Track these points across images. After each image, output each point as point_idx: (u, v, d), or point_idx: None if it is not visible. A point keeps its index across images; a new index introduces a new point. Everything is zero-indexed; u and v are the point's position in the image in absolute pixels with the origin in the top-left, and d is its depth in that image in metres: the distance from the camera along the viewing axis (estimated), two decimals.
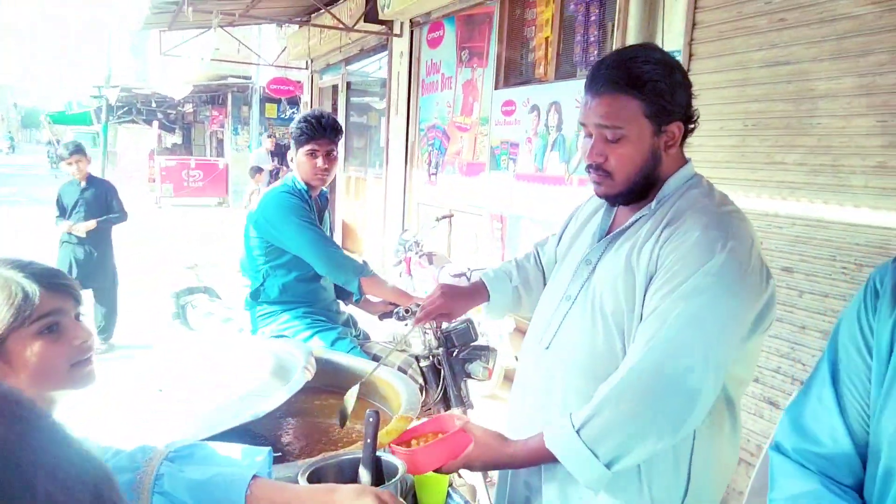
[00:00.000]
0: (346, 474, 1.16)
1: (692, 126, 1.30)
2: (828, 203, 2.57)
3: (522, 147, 4.78)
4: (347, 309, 2.63)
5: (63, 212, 5.13)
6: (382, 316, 2.49)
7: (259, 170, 10.63)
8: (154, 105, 19.62)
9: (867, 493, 0.83)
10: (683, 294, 1.15)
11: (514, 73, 5.12)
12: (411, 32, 6.35)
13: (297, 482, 1.08)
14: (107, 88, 18.46)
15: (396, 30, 6.64)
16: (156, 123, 19.10)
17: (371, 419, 1.12)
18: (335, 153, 2.41)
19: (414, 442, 1.28)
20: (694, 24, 3.12)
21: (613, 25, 3.82)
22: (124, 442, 1.05)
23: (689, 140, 1.33)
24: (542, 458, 1.23)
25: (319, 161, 2.36)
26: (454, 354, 2.19)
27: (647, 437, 1.13)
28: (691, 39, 3.11)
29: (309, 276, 2.41)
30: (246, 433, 1.53)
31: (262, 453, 1.03)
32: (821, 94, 2.58)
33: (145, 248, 9.24)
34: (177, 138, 22.32)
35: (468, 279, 4.21)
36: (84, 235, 5.05)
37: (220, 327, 2.73)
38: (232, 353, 1.71)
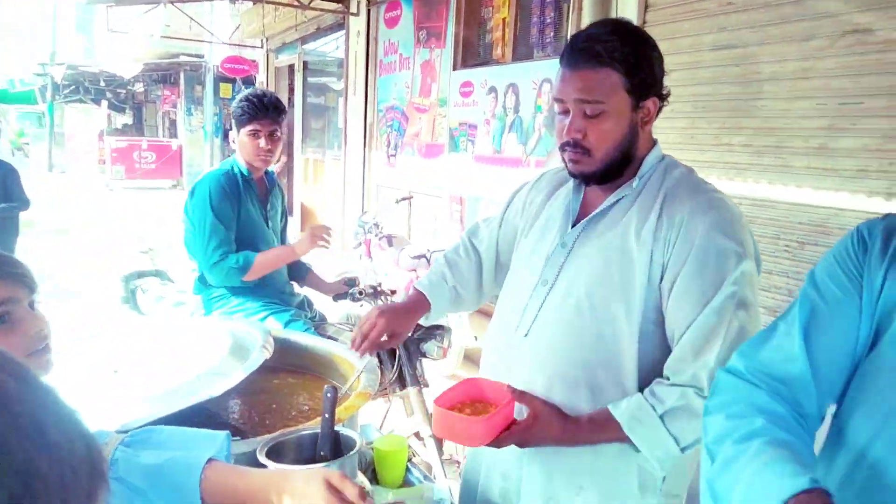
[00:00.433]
0: (306, 449, 1.17)
1: (664, 104, 1.27)
2: (772, 183, 2.67)
3: (481, 128, 4.80)
4: (302, 290, 2.62)
5: None
6: (337, 297, 2.49)
7: None
8: (103, 84, 18.92)
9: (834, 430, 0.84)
10: (734, 305, 1.14)
11: (471, 54, 5.12)
12: (368, 11, 6.28)
13: (256, 458, 1.09)
14: (52, 66, 17.74)
15: (353, 8, 6.56)
16: (105, 103, 18.45)
17: (329, 394, 1.14)
18: (279, 133, 2.35)
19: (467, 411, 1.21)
20: (647, 7, 3.18)
21: (569, 7, 3.86)
22: None
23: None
24: (606, 437, 1.19)
25: (262, 142, 2.30)
26: (409, 335, 2.21)
27: None
28: (644, 22, 3.17)
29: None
30: (206, 414, 1.53)
31: (220, 437, 1.02)
32: (766, 78, 2.66)
33: (96, 231, 8.99)
34: (127, 118, 21.60)
35: (428, 261, 4.23)
36: None
37: (171, 311, 2.68)
38: (188, 333, 1.70)
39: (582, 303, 1.25)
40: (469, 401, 1.23)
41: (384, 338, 1.43)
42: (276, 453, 1.12)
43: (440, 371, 4.17)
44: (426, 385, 2.24)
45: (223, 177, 2.32)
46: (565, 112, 1.24)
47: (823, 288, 0.88)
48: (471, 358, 4.52)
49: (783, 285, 2.63)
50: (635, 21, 3.19)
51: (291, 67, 9.04)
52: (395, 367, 2.22)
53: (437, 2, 5.35)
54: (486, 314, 1.59)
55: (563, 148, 1.27)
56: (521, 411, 1.22)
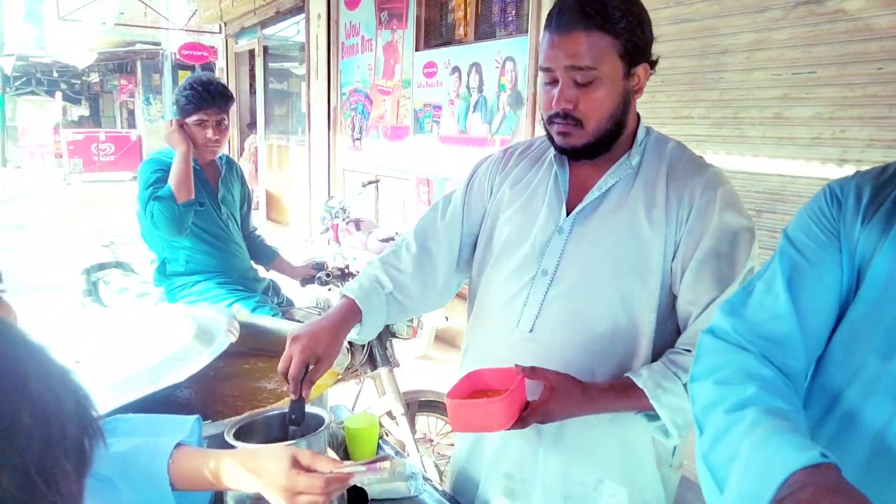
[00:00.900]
0: (274, 430, 1.17)
1: (652, 73, 1.20)
2: (731, 154, 2.72)
3: (445, 109, 4.79)
4: (269, 275, 2.60)
5: None
6: (304, 281, 2.48)
7: None
8: (56, 75, 18.37)
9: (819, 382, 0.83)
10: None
11: (434, 34, 5.08)
12: None
13: (224, 440, 1.09)
14: (1, 57, 17.12)
15: None
16: (59, 95, 17.92)
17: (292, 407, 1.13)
18: (226, 122, 2.29)
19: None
20: None
21: None
22: None
23: None
24: (628, 405, 1.14)
25: (210, 132, 2.25)
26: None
27: None
28: None
29: (212, 244, 2.34)
30: (175, 401, 1.52)
31: (189, 421, 1.01)
32: (722, 50, 2.70)
33: (56, 226, 8.76)
34: (84, 110, 21.03)
35: None
36: None
37: (135, 302, 2.64)
38: (152, 321, 1.67)
39: (594, 292, 1.19)
40: (478, 391, 1.15)
41: (311, 365, 1.19)
42: (244, 434, 1.11)
43: (412, 353, 4.18)
44: (397, 365, 2.25)
45: (162, 159, 2.27)
46: (553, 82, 1.16)
47: (801, 245, 0.87)
48: (442, 338, 4.55)
49: None
50: None
51: (252, 53, 8.88)
52: (365, 348, 2.22)
53: None
54: (459, 295, 1.52)
55: (550, 121, 1.19)
56: (534, 391, 1.14)
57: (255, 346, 1.75)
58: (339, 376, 1.42)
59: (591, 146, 1.18)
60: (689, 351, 1.13)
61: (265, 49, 8.51)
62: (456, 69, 4.63)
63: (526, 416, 1.10)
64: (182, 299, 2.33)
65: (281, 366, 1.20)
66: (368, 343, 2.23)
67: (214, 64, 10.42)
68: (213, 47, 10.62)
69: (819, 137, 2.44)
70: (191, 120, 2.24)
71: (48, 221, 9.11)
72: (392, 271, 1.36)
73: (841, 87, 2.36)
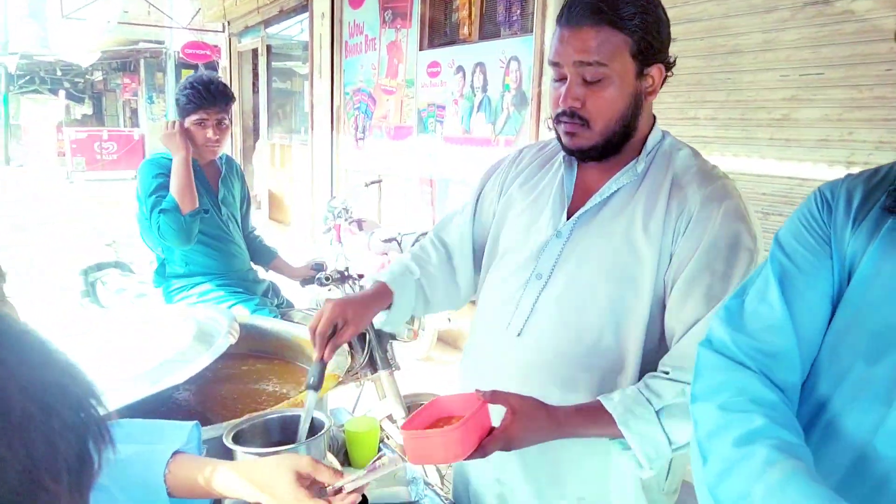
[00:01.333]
0: (273, 433, 1.15)
1: (669, 74, 1.15)
2: (737, 156, 2.70)
3: (449, 109, 4.77)
4: (268, 276, 2.58)
5: None
6: (304, 282, 2.45)
7: None
8: (59, 73, 18.40)
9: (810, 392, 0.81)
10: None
11: (438, 33, 5.06)
12: None
13: (223, 444, 1.07)
14: (4, 56, 17.15)
15: None
16: (62, 93, 17.92)
17: (309, 398, 1.12)
18: (226, 122, 2.26)
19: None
20: None
21: None
22: None
23: None
24: (597, 431, 1.08)
25: (210, 132, 2.22)
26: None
27: None
28: None
29: (212, 245, 2.32)
30: (175, 403, 1.50)
31: (187, 428, 0.99)
32: (730, 50, 2.68)
33: (58, 225, 8.76)
34: (87, 109, 21.07)
35: (399, 244, 4.21)
36: None
37: (133, 303, 2.62)
38: (151, 321, 1.66)
39: (584, 299, 1.15)
40: (438, 421, 1.08)
41: (339, 325, 1.19)
42: (243, 438, 1.10)
43: (414, 355, 4.16)
44: (398, 368, 2.22)
45: (164, 159, 2.25)
46: (562, 78, 1.12)
47: (792, 251, 0.84)
48: (444, 340, 4.52)
49: None
50: None
51: (255, 52, 8.87)
52: (365, 350, 2.20)
53: None
54: None
55: (558, 119, 1.15)
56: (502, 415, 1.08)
57: (255, 348, 1.74)
58: (340, 379, 1.40)
59: (599, 148, 1.14)
60: (667, 374, 1.08)
61: (268, 48, 8.50)
62: (460, 69, 4.61)
63: (486, 443, 1.02)
64: (181, 301, 2.31)
65: (311, 322, 1.21)
66: (369, 345, 2.21)
67: (217, 63, 10.42)
68: (216, 46, 10.61)
69: (827, 140, 2.42)
70: (191, 119, 2.22)
71: (50, 220, 9.11)
72: (422, 263, 1.38)
73: (849, 89, 2.33)
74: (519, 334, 1.21)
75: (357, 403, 2.27)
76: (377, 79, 5.69)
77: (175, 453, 0.93)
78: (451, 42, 4.86)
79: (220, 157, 2.42)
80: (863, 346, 0.71)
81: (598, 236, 1.16)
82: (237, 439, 1.08)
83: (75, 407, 0.37)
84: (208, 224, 2.31)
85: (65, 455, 0.35)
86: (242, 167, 2.58)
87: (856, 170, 0.89)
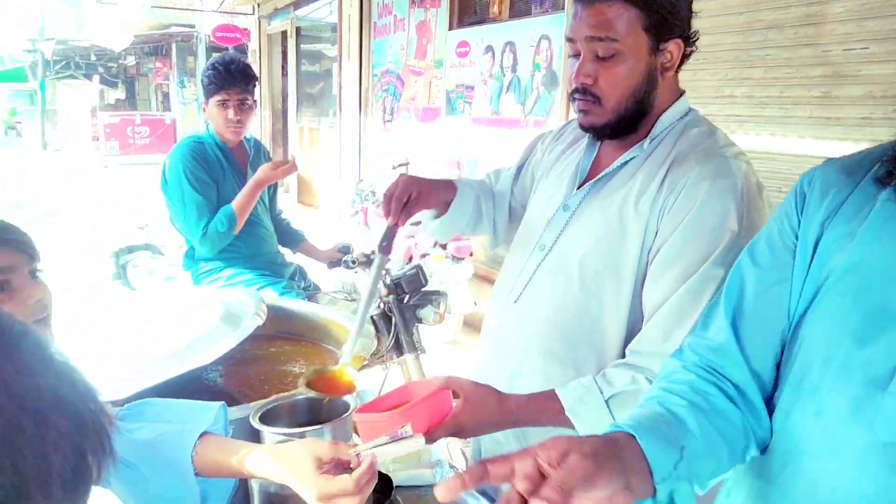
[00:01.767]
0: (299, 414, 1.15)
1: (691, 49, 1.12)
2: (774, 135, 2.61)
3: (478, 89, 4.72)
4: (295, 259, 2.59)
5: None
6: (331, 264, 2.46)
7: None
8: (93, 58, 18.71)
9: (779, 395, 0.79)
10: (714, 289, 1.00)
11: (467, 12, 5.00)
12: None
13: (249, 424, 1.07)
14: (41, 41, 17.47)
15: None
16: (96, 78, 18.23)
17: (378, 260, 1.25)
18: (249, 102, 2.25)
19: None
20: None
21: None
22: None
23: None
24: (549, 419, 1.07)
25: (231, 112, 2.21)
26: (404, 301, 2.18)
27: None
28: None
29: (241, 229, 2.33)
30: (203, 383, 1.51)
31: (214, 408, 1.01)
32: (769, 25, 2.58)
33: (92, 208, 8.94)
34: (120, 93, 21.42)
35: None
36: None
37: (163, 286, 2.65)
38: (180, 302, 1.67)
39: (572, 272, 1.15)
40: (400, 405, 1.06)
41: (413, 196, 1.27)
42: (270, 418, 1.10)
43: (440, 338, 4.16)
44: (423, 351, 2.21)
45: (193, 144, 2.26)
46: (577, 54, 1.11)
47: (758, 251, 0.82)
48: (471, 324, 4.52)
49: None
50: None
51: (284, 34, 8.89)
52: (391, 333, 2.19)
53: None
54: (487, 279, 1.53)
55: (572, 97, 1.14)
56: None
57: (282, 330, 1.75)
58: (366, 361, 1.40)
59: (612, 125, 1.12)
60: (625, 362, 1.07)
61: (297, 30, 8.51)
62: (489, 48, 4.55)
63: (436, 429, 0.99)
64: (210, 284, 2.33)
65: (388, 190, 1.29)
66: (395, 328, 2.21)
67: (247, 46, 10.47)
68: (246, 29, 10.65)
69: (870, 118, 2.32)
70: (213, 100, 2.23)
71: (85, 204, 9.30)
72: (482, 186, 1.46)
73: (895, 64, 2.23)
74: (516, 302, 1.23)
75: (383, 386, 2.27)
76: (406, 60, 5.65)
77: (202, 434, 0.95)
78: (481, 21, 4.79)
79: (248, 140, 2.43)
80: (853, 327, 0.68)
81: (598, 210, 1.15)
82: (264, 419, 1.08)
83: (72, 416, 0.35)
84: None
85: (58, 468, 0.33)
86: (272, 150, 2.58)
87: None
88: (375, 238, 4.88)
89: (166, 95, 18.00)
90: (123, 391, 1.16)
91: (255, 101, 2.31)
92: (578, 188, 1.21)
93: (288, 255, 2.59)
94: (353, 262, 2.21)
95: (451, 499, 0.61)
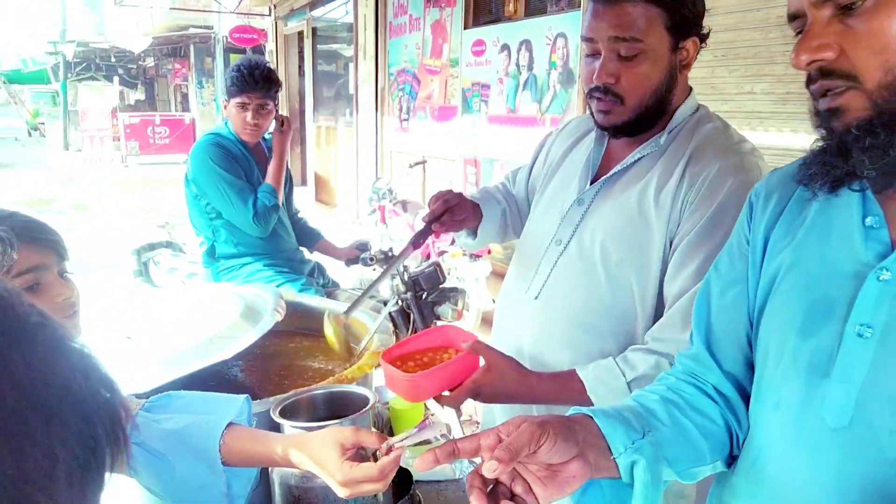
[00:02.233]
0: (318, 408, 1.16)
1: (703, 45, 1.14)
2: (796, 132, 2.58)
3: (494, 88, 4.71)
4: (313, 256, 2.60)
5: None
6: (349, 262, 2.47)
7: None
8: (113, 60, 18.94)
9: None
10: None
11: (483, 11, 5.00)
12: None
13: (270, 417, 1.08)
14: (62, 44, 17.73)
15: None
16: (116, 79, 18.47)
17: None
18: (270, 107, 2.28)
19: (411, 364, 1.12)
20: None
21: None
22: None
23: None
24: (569, 398, 1.08)
25: (248, 115, 2.24)
26: (423, 298, 2.19)
27: None
28: None
29: None
30: (223, 378, 1.53)
31: (239, 401, 1.03)
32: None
33: (113, 207, 9.06)
34: (140, 94, 21.67)
35: None
36: None
37: (184, 283, 2.68)
38: (200, 299, 1.69)
39: (596, 266, 1.16)
40: (428, 349, 1.14)
41: (454, 205, 1.33)
42: (290, 412, 1.11)
43: None
44: None
45: (215, 138, 2.30)
46: (595, 53, 1.12)
47: (720, 261, 0.87)
48: (488, 321, 4.51)
49: None
50: None
51: (300, 34, 8.94)
52: (409, 330, 2.20)
53: None
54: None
55: (591, 95, 1.15)
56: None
57: (302, 326, 1.76)
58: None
59: (632, 123, 1.14)
60: (647, 347, 1.09)
61: (314, 30, 8.55)
62: (505, 47, 4.54)
63: (458, 391, 1.07)
64: (230, 281, 2.35)
65: (429, 203, 1.33)
66: (413, 324, 2.22)
67: (264, 46, 10.54)
68: (262, 30, 10.73)
69: None
70: (234, 101, 2.25)
71: (107, 202, 9.43)
72: (505, 195, 1.49)
73: None
74: (536, 298, 1.23)
75: None
76: (421, 59, 5.66)
77: (228, 424, 0.96)
78: (496, 20, 4.79)
79: (266, 140, 2.45)
80: (798, 321, 0.72)
81: (614, 204, 1.17)
82: (284, 414, 1.09)
83: (81, 408, 0.33)
84: None
85: (66, 466, 0.31)
86: (289, 150, 2.61)
87: None
88: (392, 235, 4.87)
89: (185, 96, 18.17)
90: (147, 384, 1.18)
91: (275, 105, 2.33)
92: (591, 183, 1.22)
93: (306, 252, 2.61)
94: (371, 260, 2.22)
95: (426, 470, 0.67)
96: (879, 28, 0.61)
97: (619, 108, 1.12)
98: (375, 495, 1.00)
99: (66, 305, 1.01)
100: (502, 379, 1.08)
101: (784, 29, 2.70)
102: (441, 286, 2.22)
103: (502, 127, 4.65)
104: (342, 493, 0.88)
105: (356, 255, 2.44)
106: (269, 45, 10.08)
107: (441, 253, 4.02)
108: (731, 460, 0.83)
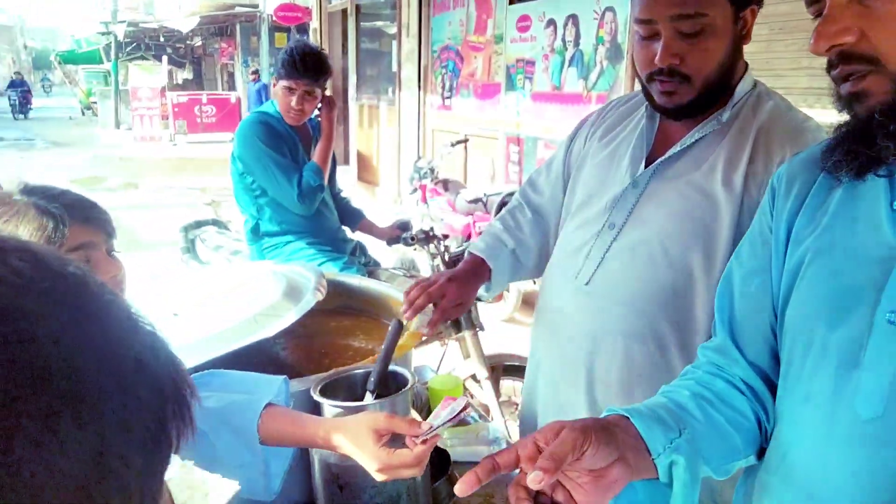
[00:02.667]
0: (358, 387, 1.16)
1: (759, 7, 1.09)
2: None
3: (539, 65, 4.62)
4: (355, 236, 2.61)
5: None
6: (390, 241, 2.47)
7: None
8: (162, 40, 19.30)
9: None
10: None
11: None
12: None
13: (310, 396, 1.09)
14: (114, 24, 18.13)
15: None
16: (165, 59, 18.84)
17: (393, 328, 1.12)
18: (316, 94, 2.27)
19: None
20: None
21: None
22: None
23: None
24: None
25: (294, 100, 2.24)
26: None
27: None
28: None
29: None
30: (265, 355, 1.55)
31: (277, 381, 1.05)
32: None
33: (163, 185, 9.29)
34: (187, 73, 22.07)
35: (484, 205, 4.17)
36: None
37: (229, 260, 2.73)
38: (244, 277, 1.71)
39: (655, 251, 1.12)
40: None
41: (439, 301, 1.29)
42: (329, 391, 1.11)
43: (498, 316, 4.15)
44: (481, 328, 2.21)
45: (262, 117, 2.31)
46: (652, 35, 1.06)
47: (742, 250, 0.86)
48: (529, 302, 4.48)
49: None
50: None
51: (344, 12, 8.92)
52: None
53: None
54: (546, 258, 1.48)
55: (651, 78, 1.10)
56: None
57: (343, 305, 1.76)
58: (424, 337, 1.40)
59: (697, 102, 1.08)
60: None
61: (357, 8, 8.52)
62: (551, 22, 4.45)
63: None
64: (273, 259, 2.38)
65: (434, 290, 1.27)
66: None
67: (308, 24, 10.57)
68: (307, 8, 10.76)
69: None
70: (282, 83, 2.26)
71: (156, 180, 9.67)
72: (513, 232, 1.39)
73: None
74: (587, 283, 1.19)
75: (441, 362, 2.29)
76: (465, 35, 5.59)
77: (267, 405, 0.98)
78: None
79: (311, 121, 2.46)
80: (825, 311, 0.71)
81: (675, 187, 1.12)
82: (324, 392, 1.10)
83: (154, 385, 0.34)
84: None
85: (139, 438, 0.32)
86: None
87: None
88: (433, 215, 4.85)
89: (231, 75, 18.44)
90: (190, 361, 1.20)
91: (323, 91, 2.32)
92: (647, 164, 1.16)
93: (348, 231, 2.62)
94: (412, 239, 2.21)
95: (469, 492, 0.65)
96: None
97: (685, 87, 1.07)
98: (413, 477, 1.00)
99: (113, 283, 1.03)
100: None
101: None
102: None
103: (547, 105, 4.57)
104: (379, 477, 0.90)
105: (397, 234, 2.44)
106: (313, 24, 10.10)
107: (482, 233, 4.00)
108: (762, 452, 0.82)
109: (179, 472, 0.79)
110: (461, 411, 0.88)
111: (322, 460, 1.07)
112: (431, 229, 2.42)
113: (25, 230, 0.91)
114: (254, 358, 1.50)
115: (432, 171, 4.85)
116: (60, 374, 0.30)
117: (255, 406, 0.97)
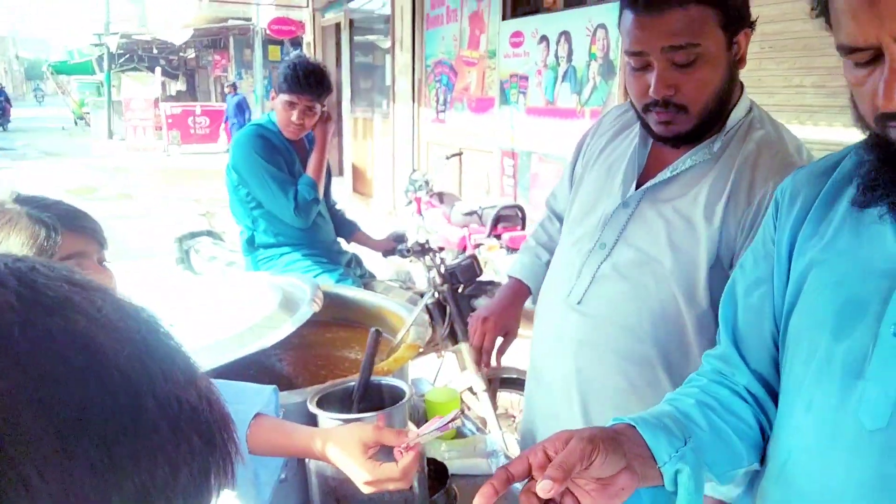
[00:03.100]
0: (353, 400, 1.16)
1: (751, 31, 1.09)
2: (847, 126, 2.48)
3: (532, 80, 4.66)
4: (350, 248, 2.61)
5: None
6: (386, 253, 2.47)
7: None
8: (155, 51, 19.30)
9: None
10: None
11: (521, 2, 4.95)
12: None
13: (306, 408, 1.09)
14: (107, 36, 18.16)
15: None
16: (158, 70, 18.84)
17: (371, 338, 1.12)
18: (316, 110, 2.28)
19: None
20: None
21: None
22: None
23: None
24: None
25: (294, 115, 2.24)
26: (459, 290, 2.18)
27: None
28: None
29: None
30: (260, 367, 1.55)
31: (267, 391, 1.04)
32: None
33: (156, 196, 9.26)
34: (181, 85, 22.07)
35: (479, 217, 4.18)
36: None
37: (223, 271, 2.72)
38: (239, 288, 1.71)
39: (644, 272, 1.13)
40: None
41: (499, 340, 1.42)
42: (325, 403, 1.11)
43: None
44: None
45: (258, 129, 2.31)
46: (645, 66, 1.05)
47: (745, 261, 0.87)
48: (527, 315, 4.48)
49: None
50: None
51: (338, 26, 8.98)
52: (446, 323, 2.20)
53: None
54: None
55: (647, 109, 1.09)
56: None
57: (339, 317, 1.76)
58: (421, 349, 1.40)
59: (696, 130, 1.08)
60: None
61: (351, 22, 8.58)
62: (544, 38, 4.49)
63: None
64: (268, 270, 2.38)
65: (475, 341, 1.41)
66: (449, 318, 2.21)
67: (302, 38, 10.62)
68: (300, 22, 10.81)
69: None
70: (282, 97, 2.25)
71: (150, 191, 9.64)
72: (545, 244, 1.46)
73: None
74: (578, 303, 1.19)
75: (438, 375, 2.29)
76: (459, 50, 5.64)
77: (256, 415, 0.98)
78: (535, 11, 4.74)
79: (308, 134, 2.46)
80: (830, 323, 0.71)
81: (662, 212, 1.12)
82: (321, 404, 1.09)
83: (206, 435, 0.35)
84: None
85: (184, 482, 0.33)
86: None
87: None
88: (429, 227, 4.85)
89: (224, 87, 18.43)
90: None
91: (323, 106, 2.31)
92: (638, 185, 1.17)
93: (343, 243, 2.62)
94: (408, 252, 2.22)
95: None
96: None
97: (682, 117, 1.06)
98: (411, 488, 1.00)
99: None
100: None
101: None
102: (478, 279, 2.22)
103: (540, 119, 4.60)
104: (366, 490, 0.91)
105: (393, 246, 2.44)
106: (307, 37, 10.16)
107: (477, 245, 4.01)
108: (765, 458, 0.83)
109: None
110: (451, 420, 0.89)
111: (319, 473, 1.07)
112: (427, 241, 2.42)
113: (18, 239, 0.91)
114: (249, 369, 1.50)
115: (427, 183, 4.87)
116: (126, 407, 0.31)
117: (245, 415, 0.97)
